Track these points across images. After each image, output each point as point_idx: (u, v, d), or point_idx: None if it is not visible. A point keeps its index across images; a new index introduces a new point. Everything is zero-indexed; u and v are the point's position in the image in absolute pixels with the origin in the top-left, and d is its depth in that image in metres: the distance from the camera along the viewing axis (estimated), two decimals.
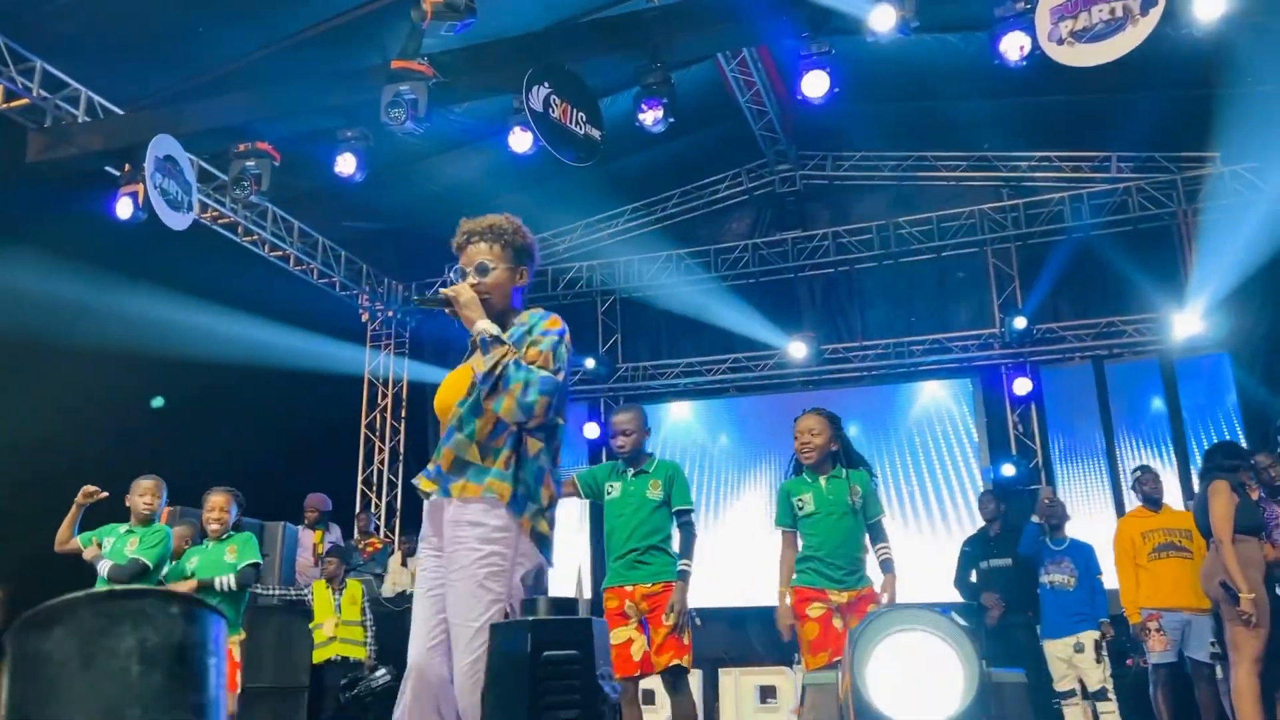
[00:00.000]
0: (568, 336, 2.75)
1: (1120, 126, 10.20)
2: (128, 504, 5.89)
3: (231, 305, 9.66)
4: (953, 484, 10.41)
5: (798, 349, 10.81)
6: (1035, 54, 6.12)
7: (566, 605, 2.17)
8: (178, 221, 7.64)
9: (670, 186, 11.83)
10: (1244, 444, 9.49)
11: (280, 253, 10.82)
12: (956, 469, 10.44)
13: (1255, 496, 5.34)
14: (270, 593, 7.70)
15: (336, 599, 7.74)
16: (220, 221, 9.96)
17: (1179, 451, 9.83)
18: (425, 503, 2.78)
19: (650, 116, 6.79)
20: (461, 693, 2.46)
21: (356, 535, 9.64)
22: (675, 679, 4.55)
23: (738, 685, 7.87)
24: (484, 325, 2.64)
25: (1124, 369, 10.32)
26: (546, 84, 6.68)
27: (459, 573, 2.53)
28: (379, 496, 12.05)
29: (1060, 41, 5.95)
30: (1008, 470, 10.07)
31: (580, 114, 6.86)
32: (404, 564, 8.89)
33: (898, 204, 11.28)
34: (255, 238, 10.45)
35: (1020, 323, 10.14)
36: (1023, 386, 10.26)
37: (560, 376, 2.64)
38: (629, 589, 4.60)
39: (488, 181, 10.62)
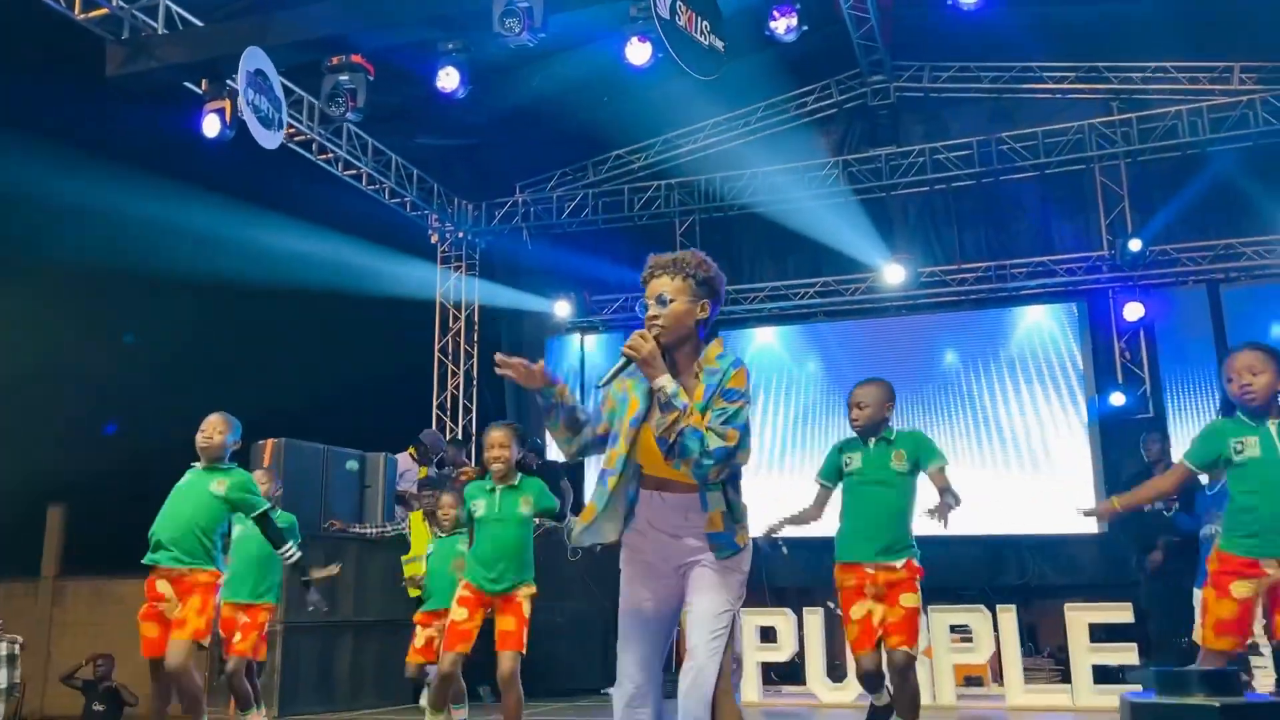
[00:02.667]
0: (749, 385, 2.82)
1: (1242, 34, 9.55)
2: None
3: (303, 225, 9.34)
4: (1056, 414, 10.03)
5: (894, 272, 10.36)
6: None
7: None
8: (270, 140, 7.25)
9: (755, 98, 11.23)
10: None
11: (353, 171, 10.42)
12: (1060, 399, 10.06)
13: None
14: (372, 530, 7.50)
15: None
16: (296, 139, 9.53)
17: None
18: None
19: (783, 24, 6.28)
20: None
21: (448, 466, 9.39)
22: None
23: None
24: (663, 383, 2.67)
25: (1241, 293, 9.83)
26: None
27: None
28: (454, 421, 11.83)
29: None
30: (1116, 399, 9.68)
31: (704, 22, 6.36)
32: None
33: (998, 118, 10.68)
34: (329, 155, 10.03)
35: (1135, 245, 9.64)
36: (1134, 311, 9.79)
37: (736, 443, 2.70)
38: None
39: (563, 97, 10.12)
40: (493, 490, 4.74)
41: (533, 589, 4.80)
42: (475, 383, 12.02)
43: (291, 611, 6.80)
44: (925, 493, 4.43)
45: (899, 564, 4.24)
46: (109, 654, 6.97)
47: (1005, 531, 9.70)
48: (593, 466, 10.15)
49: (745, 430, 2.72)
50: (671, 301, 2.76)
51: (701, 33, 6.35)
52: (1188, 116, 9.90)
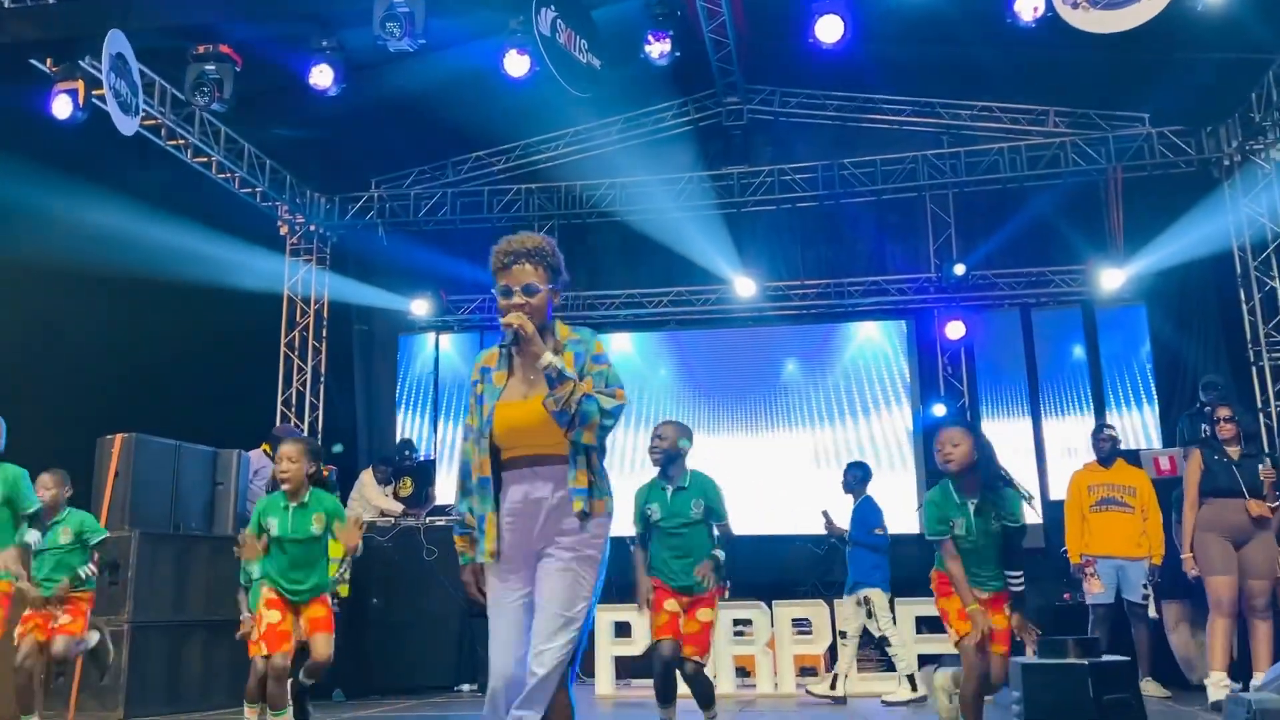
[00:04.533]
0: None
1: (1057, 80, 10.53)
2: None
3: (147, 210, 9.01)
4: (885, 422, 10.79)
5: (745, 285, 10.89)
6: (1048, 15, 6.22)
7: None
8: (128, 126, 7.04)
9: (617, 110, 11.55)
10: (1154, 390, 10.19)
11: (204, 159, 10.11)
12: (889, 407, 10.82)
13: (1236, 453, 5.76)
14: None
15: None
16: (145, 123, 9.17)
17: (1095, 394, 10.45)
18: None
19: (658, 49, 6.60)
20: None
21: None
22: None
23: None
24: (551, 359, 2.80)
25: (1049, 316, 10.85)
26: (553, 7, 6.39)
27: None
28: (300, 418, 11.62)
29: (1075, 6, 6.06)
30: (938, 410, 10.51)
31: (583, 41, 6.62)
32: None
33: (841, 144, 11.36)
34: (179, 141, 9.71)
35: (959, 269, 10.49)
36: (955, 330, 10.66)
37: (624, 400, 2.91)
38: None
39: (428, 97, 10.13)
40: (286, 508, 4.79)
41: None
42: (323, 379, 11.84)
43: (140, 611, 6.63)
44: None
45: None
46: None
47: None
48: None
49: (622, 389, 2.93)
50: (540, 290, 2.90)
51: (580, 50, 6.60)
52: (1008, 154, 10.82)
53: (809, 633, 7.39)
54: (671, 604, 4.88)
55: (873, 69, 10.74)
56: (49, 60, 7.63)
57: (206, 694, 6.95)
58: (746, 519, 10.55)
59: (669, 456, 4.95)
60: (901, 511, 10.51)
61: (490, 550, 2.90)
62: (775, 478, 10.74)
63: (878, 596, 6.86)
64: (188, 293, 9.46)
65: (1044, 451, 10.31)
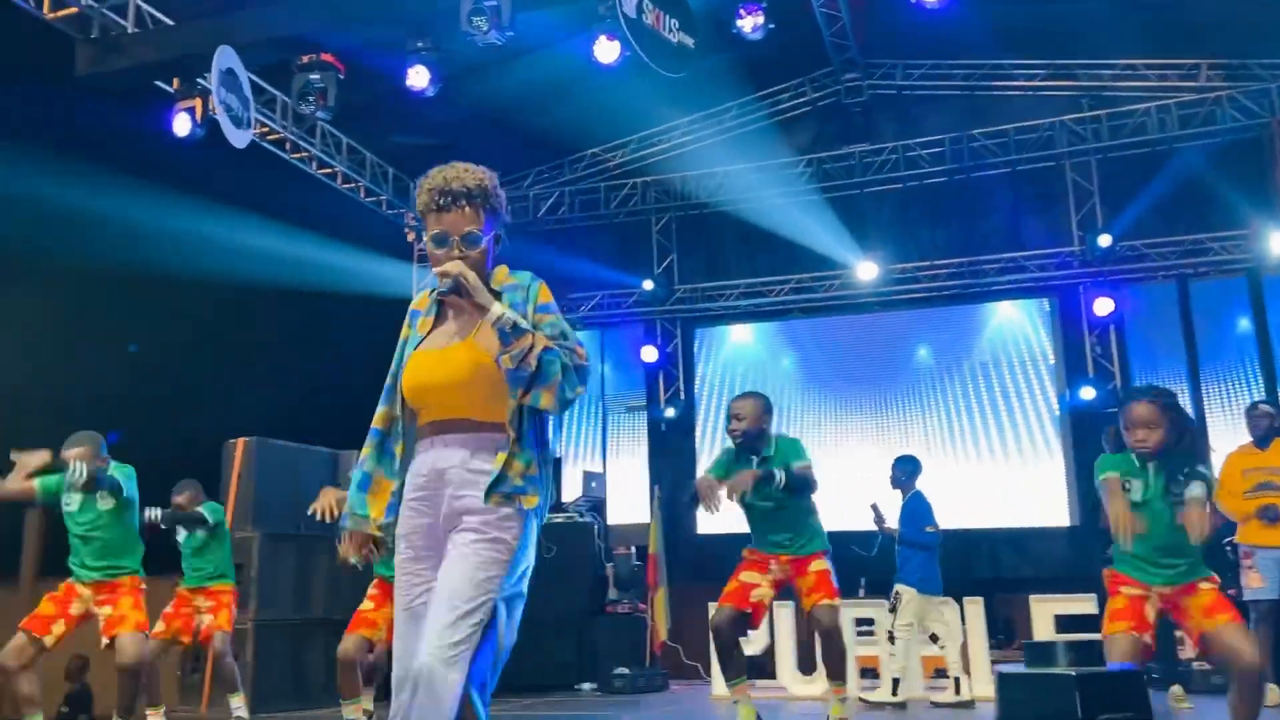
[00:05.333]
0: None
1: (1208, 33, 9.66)
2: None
3: (276, 224, 9.32)
4: (1027, 409, 10.12)
5: (867, 269, 10.43)
6: None
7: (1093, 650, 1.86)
8: (240, 139, 7.26)
9: (730, 97, 11.27)
10: None
11: (327, 170, 10.41)
12: (1031, 393, 10.14)
13: None
14: None
15: None
16: (269, 138, 9.52)
17: (1266, 372, 9.51)
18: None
19: (750, 22, 6.32)
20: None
21: None
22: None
23: None
24: (502, 312, 2.31)
25: (1210, 287, 9.94)
26: None
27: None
28: None
29: None
30: (1086, 394, 9.78)
31: (673, 20, 6.41)
32: None
33: (969, 116, 10.75)
34: (303, 154, 10.02)
35: (1105, 240, 9.74)
36: (1103, 306, 9.88)
37: (586, 359, 2.42)
38: None
39: (541, 98, 10.17)
40: None
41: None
42: None
43: (263, 609, 6.82)
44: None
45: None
46: (84, 655, 6.97)
47: (977, 525, 9.79)
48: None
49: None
50: (482, 240, 2.45)
51: (670, 31, 6.39)
52: (1156, 113, 10.01)
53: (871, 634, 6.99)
54: (750, 575, 4.64)
55: (1001, 34, 10.13)
56: (175, 80, 7.97)
57: (329, 690, 7.08)
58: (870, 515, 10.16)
59: (752, 435, 4.60)
60: (1049, 503, 9.89)
61: (372, 517, 2.42)
62: None
63: (908, 594, 6.50)
64: (315, 300, 9.76)
65: (1205, 433, 9.42)
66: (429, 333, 2.49)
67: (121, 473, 4.88)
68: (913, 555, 6.56)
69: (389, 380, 2.51)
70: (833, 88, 11.10)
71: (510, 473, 2.32)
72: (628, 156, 11.76)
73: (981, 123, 10.55)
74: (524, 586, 2.41)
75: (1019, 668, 3.15)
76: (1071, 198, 10.51)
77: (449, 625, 2.18)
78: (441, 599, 2.23)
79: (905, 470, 6.76)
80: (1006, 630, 9.12)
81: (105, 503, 4.88)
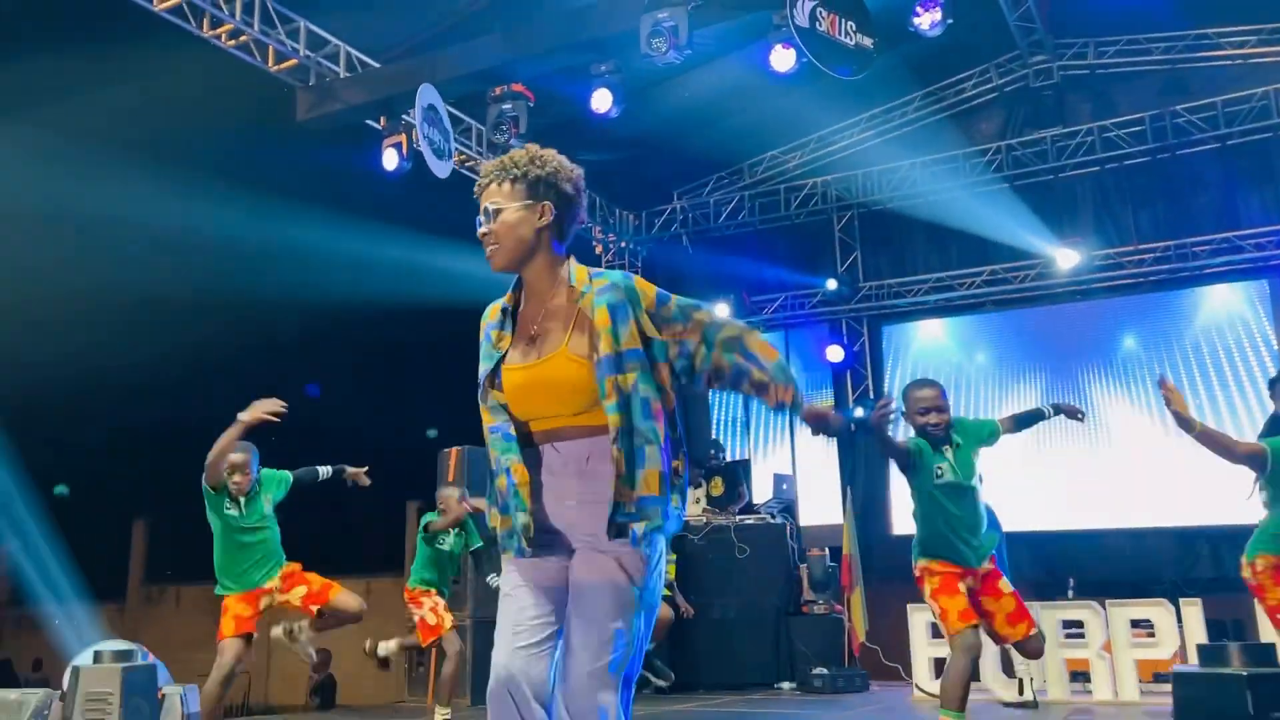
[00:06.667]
0: None
1: None
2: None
3: (474, 247, 9.90)
4: (1248, 398, 9.47)
5: (1066, 257, 10.04)
6: None
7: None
8: (442, 169, 7.79)
9: (910, 89, 11.10)
10: None
11: None
12: (1252, 380, 9.49)
13: None
14: None
15: None
16: (466, 164, 10.12)
17: None
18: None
19: (927, 19, 6.28)
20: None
21: None
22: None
23: None
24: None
25: None
26: None
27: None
28: None
29: None
30: None
31: (849, 23, 6.43)
32: None
33: (1170, 90, 10.17)
34: None
35: None
36: None
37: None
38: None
39: (719, 104, 10.35)
40: None
41: None
42: None
43: (479, 608, 7.31)
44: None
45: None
46: (327, 650, 7.67)
47: (1196, 523, 9.26)
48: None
49: None
50: (502, 211, 2.25)
51: (847, 33, 6.42)
52: None
53: (1153, 635, 6.66)
54: (964, 583, 4.05)
55: (1202, 1, 9.55)
56: (381, 119, 8.63)
57: None
58: (1084, 512, 9.78)
59: (951, 424, 4.21)
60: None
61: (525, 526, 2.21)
62: (1117, 465, 9.79)
63: None
64: None
65: None
66: (507, 348, 2.33)
67: (277, 478, 5.23)
68: None
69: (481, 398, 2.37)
70: (1020, 72, 10.76)
71: (650, 492, 2.18)
72: (806, 157, 11.77)
73: (1185, 97, 9.98)
74: None
75: (1194, 668, 3.24)
76: None
77: (595, 660, 2.13)
78: (587, 634, 2.16)
79: None
80: (1236, 633, 8.59)
81: (266, 506, 5.13)
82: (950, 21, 6.26)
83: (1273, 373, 9.46)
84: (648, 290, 2.29)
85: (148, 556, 16.27)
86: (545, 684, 2.15)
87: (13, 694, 2.71)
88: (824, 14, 6.28)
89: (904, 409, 4.28)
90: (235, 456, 4.86)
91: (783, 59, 6.72)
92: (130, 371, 10.41)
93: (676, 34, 6.45)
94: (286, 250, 8.97)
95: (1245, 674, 3.15)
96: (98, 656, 3.57)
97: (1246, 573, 4.24)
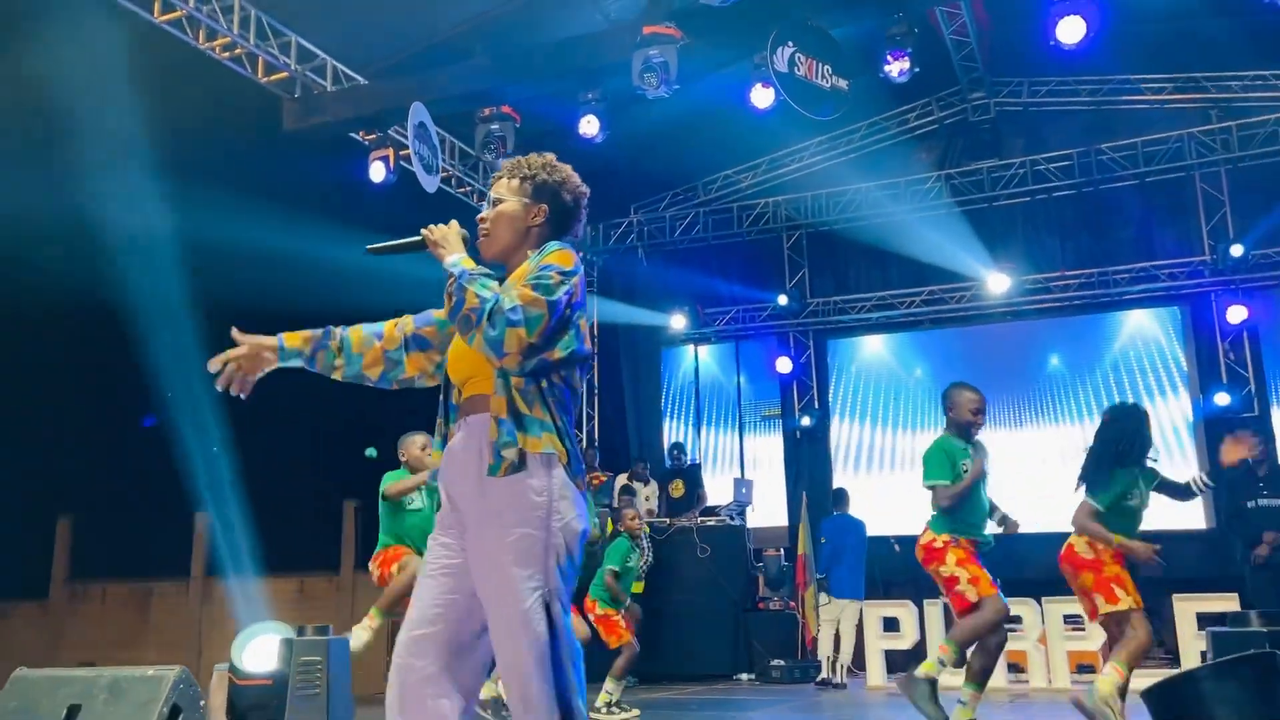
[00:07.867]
0: (576, 278, 2.36)
1: None
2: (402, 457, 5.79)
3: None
4: (1161, 416, 10.36)
5: (998, 280, 10.83)
6: None
7: None
8: (430, 184, 8.14)
9: (859, 118, 11.77)
10: None
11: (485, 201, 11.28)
12: (1165, 399, 10.40)
13: None
14: None
15: None
16: (447, 178, 10.44)
17: None
18: None
19: (896, 68, 6.88)
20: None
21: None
22: None
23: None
24: (456, 260, 2.33)
25: None
26: (790, 43, 6.82)
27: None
28: (579, 429, 12.64)
29: None
30: (1221, 399, 10.00)
31: (825, 66, 7.00)
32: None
33: (1096, 130, 11.05)
34: (466, 189, 10.94)
35: (1237, 250, 9.94)
36: (1237, 314, 10.09)
37: (542, 308, 2.24)
38: None
39: (680, 126, 10.83)
40: None
41: None
42: (596, 392, 12.83)
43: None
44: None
45: None
46: None
47: None
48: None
49: (554, 304, 2.25)
50: (501, 202, 2.49)
51: (823, 77, 6.99)
52: None
53: (1082, 629, 7.38)
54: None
55: (1127, 49, 10.36)
56: (363, 132, 8.93)
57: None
58: (1016, 516, 10.52)
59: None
60: (1185, 506, 10.08)
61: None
62: (1042, 473, 10.59)
63: None
64: None
65: None
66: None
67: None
68: None
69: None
70: (960, 106, 11.53)
71: (504, 416, 2.28)
72: (759, 178, 12.37)
73: (1109, 136, 10.84)
74: None
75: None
76: (1201, 208, 10.71)
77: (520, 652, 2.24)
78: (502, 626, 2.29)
79: None
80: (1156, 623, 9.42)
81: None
82: (917, 70, 6.85)
83: (1184, 392, 10.44)
84: (552, 255, 2.41)
85: (72, 553, 16.00)
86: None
87: (149, 670, 2.99)
88: (802, 59, 6.84)
89: (950, 407, 4.92)
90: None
91: (763, 97, 7.27)
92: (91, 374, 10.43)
93: (666, 70, 6.94)
94: (254, 254, 9.16)
95: (1265, 630, 3.72)
96: (301, 630, 3.96)
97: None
